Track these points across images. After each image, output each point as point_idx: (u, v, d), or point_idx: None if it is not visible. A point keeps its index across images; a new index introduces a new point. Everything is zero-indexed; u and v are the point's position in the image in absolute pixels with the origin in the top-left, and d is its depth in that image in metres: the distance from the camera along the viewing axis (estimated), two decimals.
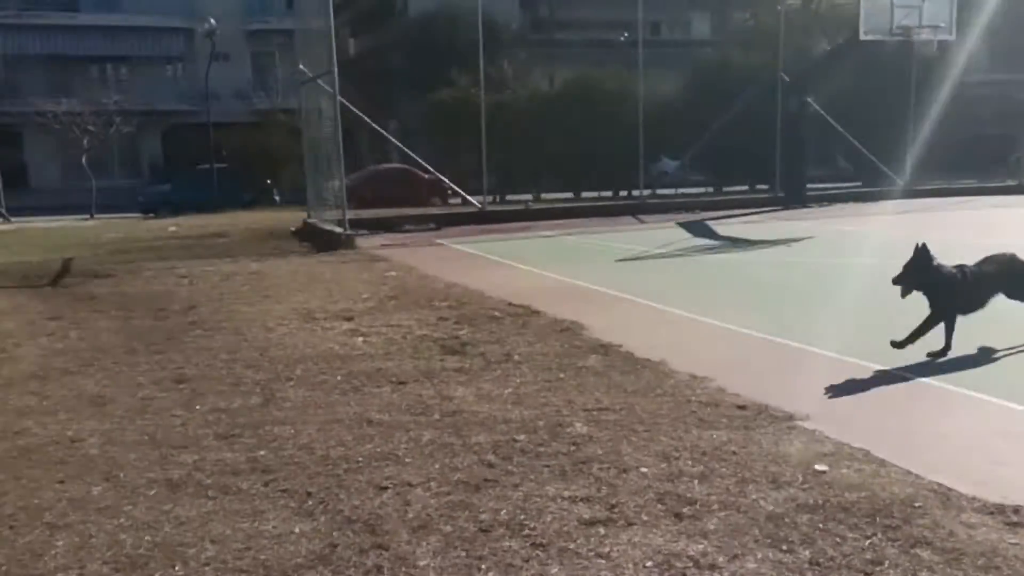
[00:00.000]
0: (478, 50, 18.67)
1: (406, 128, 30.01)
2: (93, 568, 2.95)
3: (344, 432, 4.33)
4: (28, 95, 37.54)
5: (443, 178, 20.65)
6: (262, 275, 10.60)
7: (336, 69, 14.71)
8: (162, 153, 44.14)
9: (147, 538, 3.17)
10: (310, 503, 3.46)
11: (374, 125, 19.18)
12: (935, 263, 5.43)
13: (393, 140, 21.74)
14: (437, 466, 3.83)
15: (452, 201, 23.71)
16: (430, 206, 23.09)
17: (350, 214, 15.33)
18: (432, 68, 30.87)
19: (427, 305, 7.94)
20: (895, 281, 5.48)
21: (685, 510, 3.28)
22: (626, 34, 31.03)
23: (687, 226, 16.19)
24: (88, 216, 27.85)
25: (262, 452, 4.06)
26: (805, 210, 19.30)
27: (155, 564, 2.96)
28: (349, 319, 7.37)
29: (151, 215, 28.00)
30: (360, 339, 6.56)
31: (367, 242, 14.37)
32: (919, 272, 5.43)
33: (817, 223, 16.08)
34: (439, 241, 14.68)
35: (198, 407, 4.84)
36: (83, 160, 31.19)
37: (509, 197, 27.89)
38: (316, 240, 14.79)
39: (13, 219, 26.60)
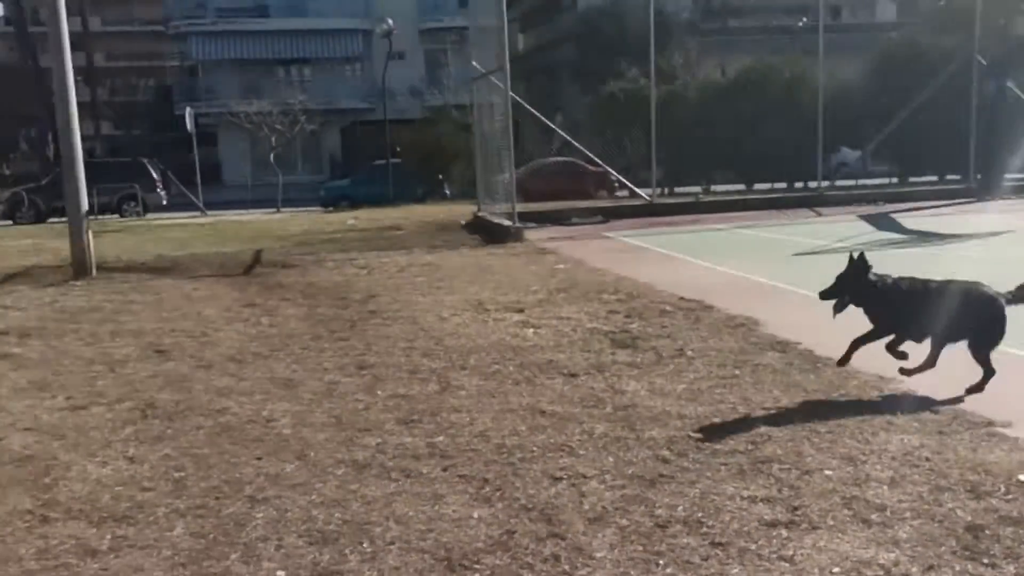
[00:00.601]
0: (647, 41, 18.46)
1: (572, 121, 30.10)
2: (289, 540, 3.13)
3: (518, 422, 4.40)
4: (223, 97, 40.48)
5: (610, 170, 20.56)
6: (435, 267, 10.92)
7: (508, 65, 14.90)
8: (341, 149, 46.44)
9: (337, 515, 3.34)
10: (487, 490, 3.54)
11: (544, 119, 19.34)
12: (872, 275, 4.61)
13: (561, 133, 21.82)
14: (611, 459, 3.82)
15: (619, 194, 23.59)
16: (597, 199, 23.07)
17: (518, 207, 15.51)
18: (600, 61, 30.86)
19: (596, 298, 7.93)
20: (824, 295, 4.74)
21: (874, 516, 3.12)
22: (804, 19, 29.86)
23: (870, 219, 15.38)
24: (275, 210, 29.56)
25: (440, 438, 4.19)
26: (1002, 202, 17.89)
27: (345, 540, 3.12)
28: (520, 311, 7.47)
29: (331, 209, 29.40)
30: (531, 331, 6.64)
31: (535, 235, 14.49)
32: (854, 285, 4.64)
33: (1017, 216, 14.87)
34: (607, 234, 14.63)
35: (379, 392, 5.05)
36: (271, 157, 33.15)
37: (678, 189, 27.50)
38: (486, 233, 15.05)
39: (208, 212, 28.67)
